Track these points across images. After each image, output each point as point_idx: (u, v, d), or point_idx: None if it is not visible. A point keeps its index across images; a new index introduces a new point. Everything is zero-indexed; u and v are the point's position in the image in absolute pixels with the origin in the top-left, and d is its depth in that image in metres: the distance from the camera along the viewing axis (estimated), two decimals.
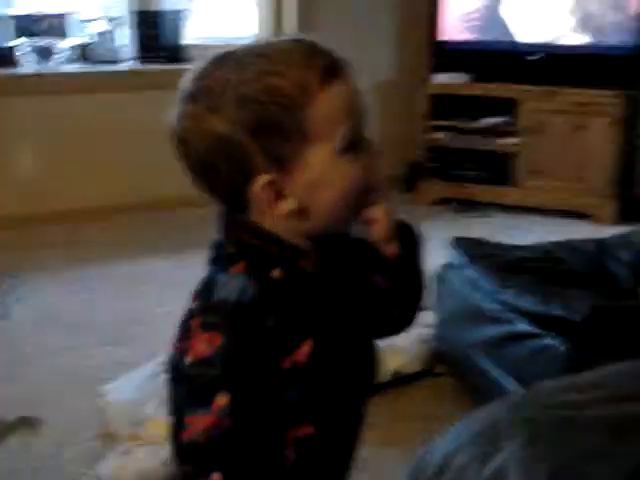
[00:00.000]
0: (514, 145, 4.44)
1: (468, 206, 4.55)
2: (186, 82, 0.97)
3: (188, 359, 0.94)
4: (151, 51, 4.43)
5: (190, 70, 0.97)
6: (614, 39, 4.33)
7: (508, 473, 1.21)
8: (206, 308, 0.97)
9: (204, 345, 0.94)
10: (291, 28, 4.41)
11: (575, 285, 2.35)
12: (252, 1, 4.58)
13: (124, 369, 2.48)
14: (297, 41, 0.98)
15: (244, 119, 0.93)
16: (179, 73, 0.98)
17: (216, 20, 4.74)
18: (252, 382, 0.94)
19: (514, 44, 4.54)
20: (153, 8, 4.50)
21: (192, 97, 0.96)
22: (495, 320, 2.30)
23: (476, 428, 1.37)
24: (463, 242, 2.66)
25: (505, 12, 4.54)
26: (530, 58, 4.48)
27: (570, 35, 4.43)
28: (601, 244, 2.70)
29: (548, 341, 2.09)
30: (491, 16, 4.56)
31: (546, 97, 4.36)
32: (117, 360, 2.69)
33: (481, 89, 4.51)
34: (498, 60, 4.58)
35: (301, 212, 0.98)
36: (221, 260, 1.01)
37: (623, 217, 4.27)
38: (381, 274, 1.10)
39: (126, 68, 4.43)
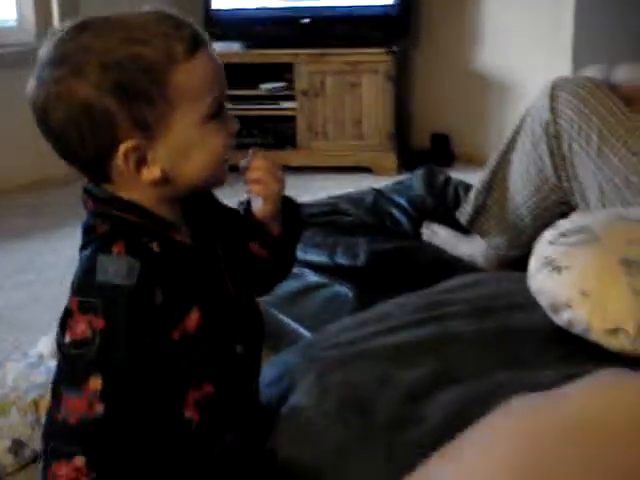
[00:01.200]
0: (293, 109, 4.58)
1: None
2: (45, 49, 0.97)
3: (67, 339, 0.94)
4: None
5: (48, 38, 0.98)
6: None
7: (302, 408, 1.32)
8: (86, 290, 0.96)
9: (83, 326, 0.94)
10: (53, 9, 4.27)
11: (359, 234, 2.50)
12: None
13: None
14: (160, 13, 1.01)
15: (108, 83, 0.94)
16: None
17: None
18: (130, 366, 0.94)
19: (284, 9, 4.65)
20: None
21: (53, 63, 0.96)
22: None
23: (273, 374, 1.46)
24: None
25: None
26: (302, 22, 4.61)
27: None
28: (380, 193, 2.87)
29: (337, 288, 2.23)
30: None
31: (319, 59, 4.51)
32: None
33: (256, 56, 4.60)
34: (270, 26, 4.68)
35: (166, 179, 1.01)
36: (96, 241, 0.99)
37: (404, 167, 4.52)
38: (261, 246, 1.16)
39: None
